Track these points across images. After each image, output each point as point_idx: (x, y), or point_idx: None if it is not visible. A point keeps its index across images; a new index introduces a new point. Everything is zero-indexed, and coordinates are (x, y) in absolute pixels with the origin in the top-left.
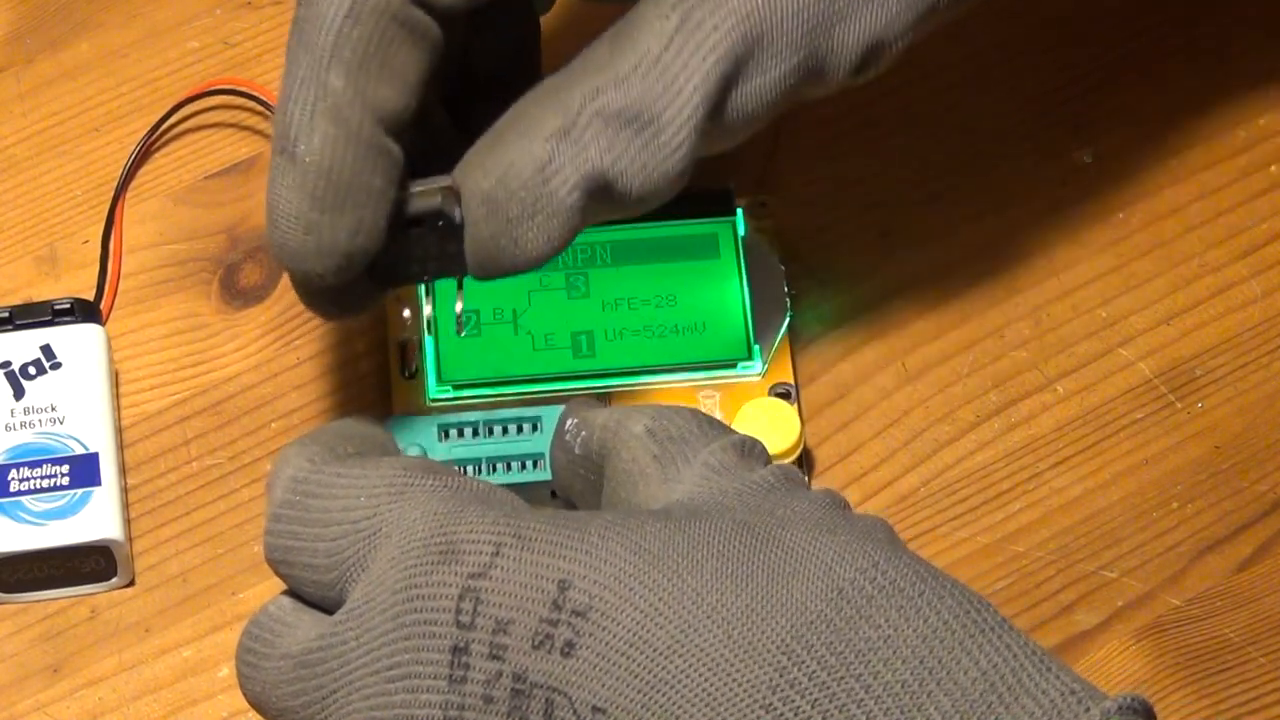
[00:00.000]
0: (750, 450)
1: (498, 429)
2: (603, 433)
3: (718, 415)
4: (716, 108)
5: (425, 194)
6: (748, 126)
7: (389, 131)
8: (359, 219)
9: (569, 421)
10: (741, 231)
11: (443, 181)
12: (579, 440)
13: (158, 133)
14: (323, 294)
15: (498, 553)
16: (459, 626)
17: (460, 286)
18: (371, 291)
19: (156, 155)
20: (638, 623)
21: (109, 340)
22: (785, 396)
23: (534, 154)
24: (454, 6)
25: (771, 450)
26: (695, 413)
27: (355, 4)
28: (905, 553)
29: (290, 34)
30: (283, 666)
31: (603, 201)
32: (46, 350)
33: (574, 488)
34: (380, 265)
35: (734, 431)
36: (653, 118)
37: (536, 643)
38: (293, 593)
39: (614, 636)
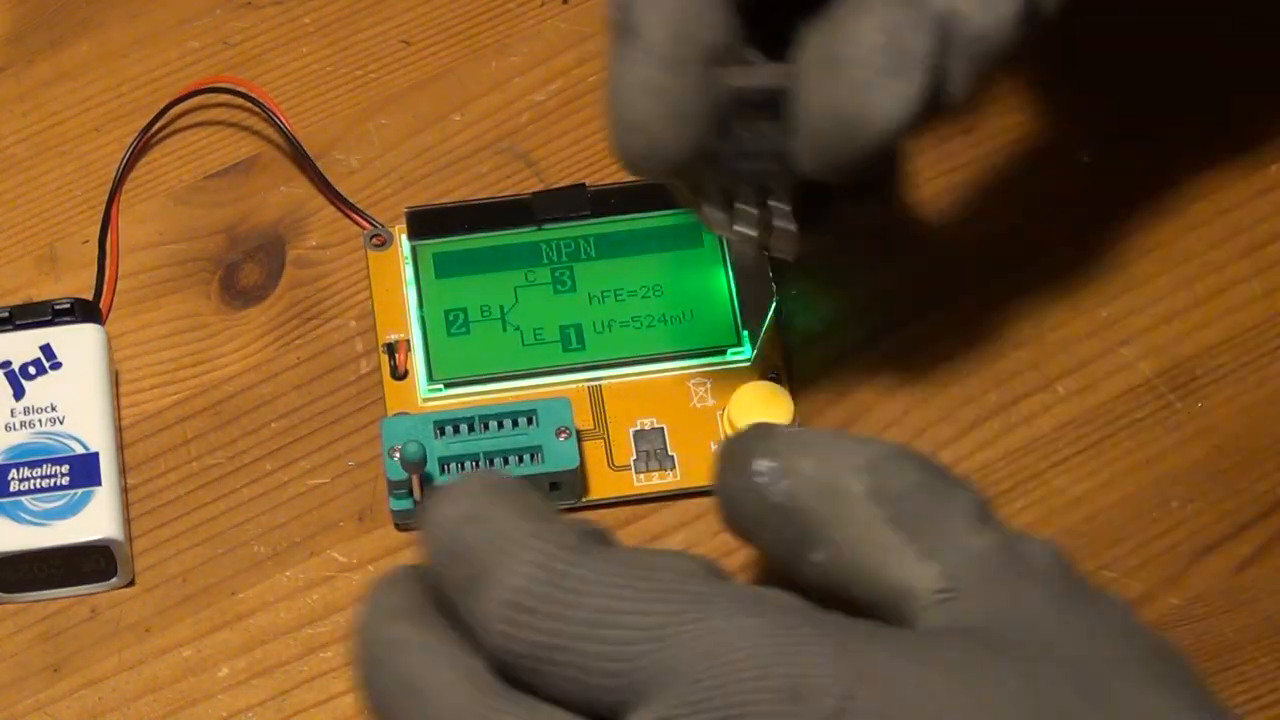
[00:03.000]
0: (993, 513)
1: (493, 424)
2: (814, 491)
3: (710, 403)
4: None
5: (769, 72)
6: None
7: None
8: (704, 78)
9: (763, 464)
10: None
11: (781, 66)
12: (779, 488)
13: (151, 132)
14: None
15: (847, 697)
16: None
17: (797, 202)
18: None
19: (157, 155)
20: None
21: (109, 340)
22: (776, 380)
23: (878, 12)
24: None
25: None
26: (912, 456)
27: None
28: (1210, 709)
29: None
30: None
31: (950, 54)
32: (46, 350)
33: (759, 536)
34: (715, 160)
35: (960, 482)
36: None
37: None
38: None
39: None
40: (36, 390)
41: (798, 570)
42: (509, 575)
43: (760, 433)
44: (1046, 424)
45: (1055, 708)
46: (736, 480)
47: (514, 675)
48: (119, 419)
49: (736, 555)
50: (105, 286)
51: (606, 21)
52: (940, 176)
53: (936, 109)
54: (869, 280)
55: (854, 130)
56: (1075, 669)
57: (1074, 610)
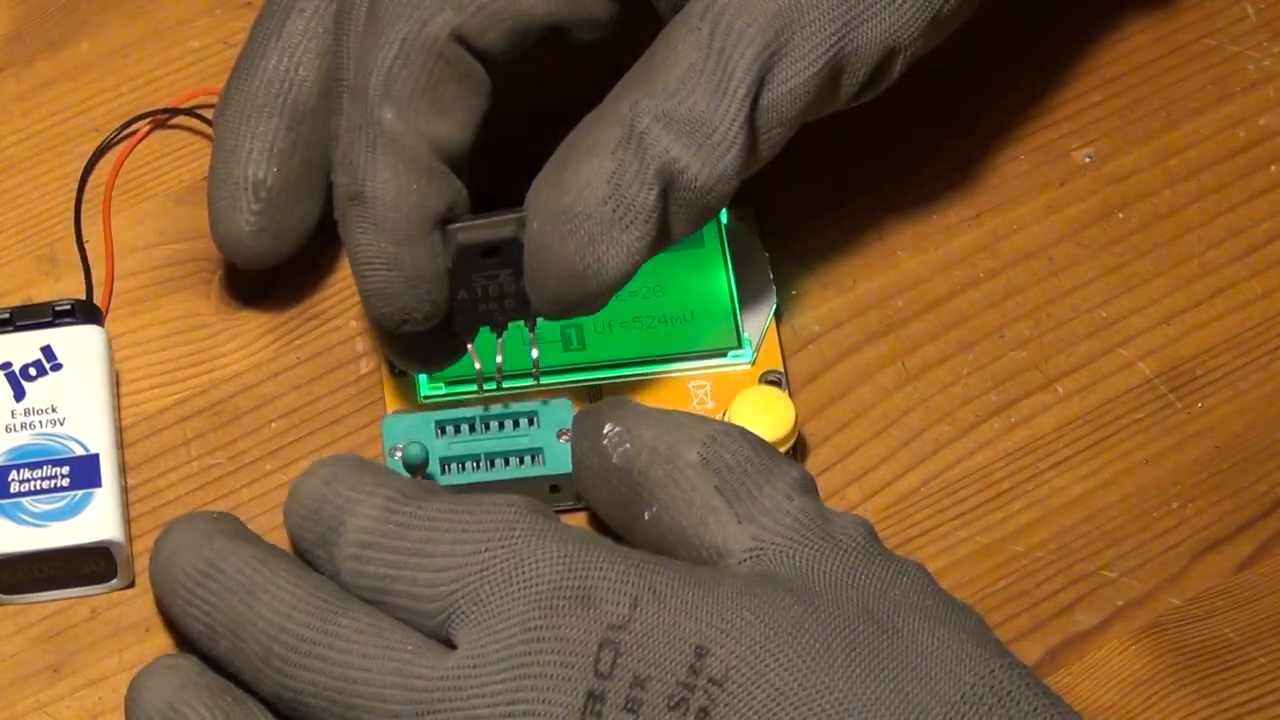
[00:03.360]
0: (814, 489)
1: (494, 424)
2: (652, 456)
3: (709, 405)
4: (757, 107)
5: (497, 223)
6: (783, 130)
7: (447, 163)
8: (434, 243)
9: (610, 428)
10: (724, 220)
11: (511, 212)
12: (619, 451)
13: (145, 134)
14: (414, 347)
15: (636, 605)
16: (597, 675)
17: (532, 330)
18: (456, 347)
19: (157, 155)
20: (772, 699)
21: (110, 341)
22: (775, 384)
23: (603, 166)
24: (493, 47)
25: (768, 437)
26: (745, 434)
27: (403, 46)
28: (1008, 655)
29: (336, 99)
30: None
31: (671, 202)
32: (47, 351)
33: (599, 493)
34: (456, 309)
35: (786, 460)
36: (705, 119)
37: (673, 703)
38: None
39: (748, 709)
40: (37, 391)
41: (629, 530)
42: (356, 518)
43: (613, 403)
44: (1046, 424)
45: (839, 628)
46: (585, 441)
47: None
48: (119, 420)
49: None
50: (103, 287)
51: (335, 189)
52: (940, 176)
53: (661, 246)
54: (869, 280)
55: (584, 282)
56: (861, 607)
57: (869, 570)
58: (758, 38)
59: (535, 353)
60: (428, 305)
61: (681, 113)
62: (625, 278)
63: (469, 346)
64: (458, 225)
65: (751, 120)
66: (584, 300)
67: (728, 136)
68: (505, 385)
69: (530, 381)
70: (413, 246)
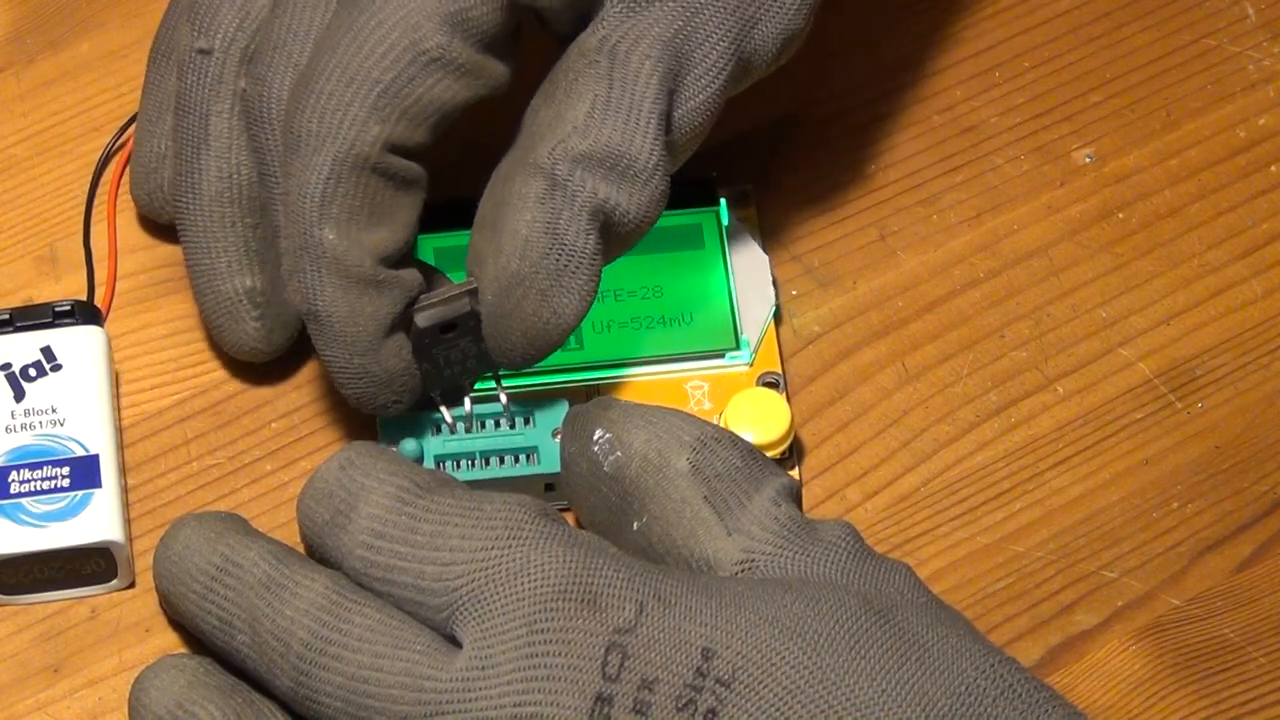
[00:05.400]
0: (799, 497)
1: (490, 424)
2: (643, 465)
3: (707, 406)
4: (670, 127)
5: (449, 300)
6: (699, 136)
7: (393, 265)
8: (399, 345)
9: (600, 434)
10: (725, 221)
11: (461, 286)
12: (610, 459)
13: (127, 139)
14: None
15: (642, 610)
16: (604, 677)
17: (499, 383)
18: (430, 402)
19: None
20: (779, 697)
21: (109, 342)
22: (773, 386)
23: (538, 220)
24: (424, 143)
25: (764, 439)
26: (735, 440)
27: (334, 166)
28: (1004, 652)
29: (275, 215)
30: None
31: (608, 238)
32: (47, 352)
33: (588, 500)
34: (426, 377)
35: (774, 466)
36: (624, 151)
37: (680, 705)
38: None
39: (755, 708)
40: (37, 392)
41: (618, 537)
42: (369, 505)
43: (602, 404)
44: (1046, 424)
45: (842, 622)
46: (574, 446)
47: None
48: (119, 421)
49: None
50: (105, 287)
51: (300, 312)
52: (940, 176)
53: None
54: (869, 280)
55: (547, 334)
56: (862, 599)
57: (861, 570)
58: (659, 66)
59: (504, 398)
60: (406, 395)
61: (599, 151)
62: (583, 315)
63: (441, 409)
64: (414, 312)
65: (667, 139)
66: (549, 349)
67: (649, 165)
68: (504, 385)
69: (524, 381)
70: (375, 354)
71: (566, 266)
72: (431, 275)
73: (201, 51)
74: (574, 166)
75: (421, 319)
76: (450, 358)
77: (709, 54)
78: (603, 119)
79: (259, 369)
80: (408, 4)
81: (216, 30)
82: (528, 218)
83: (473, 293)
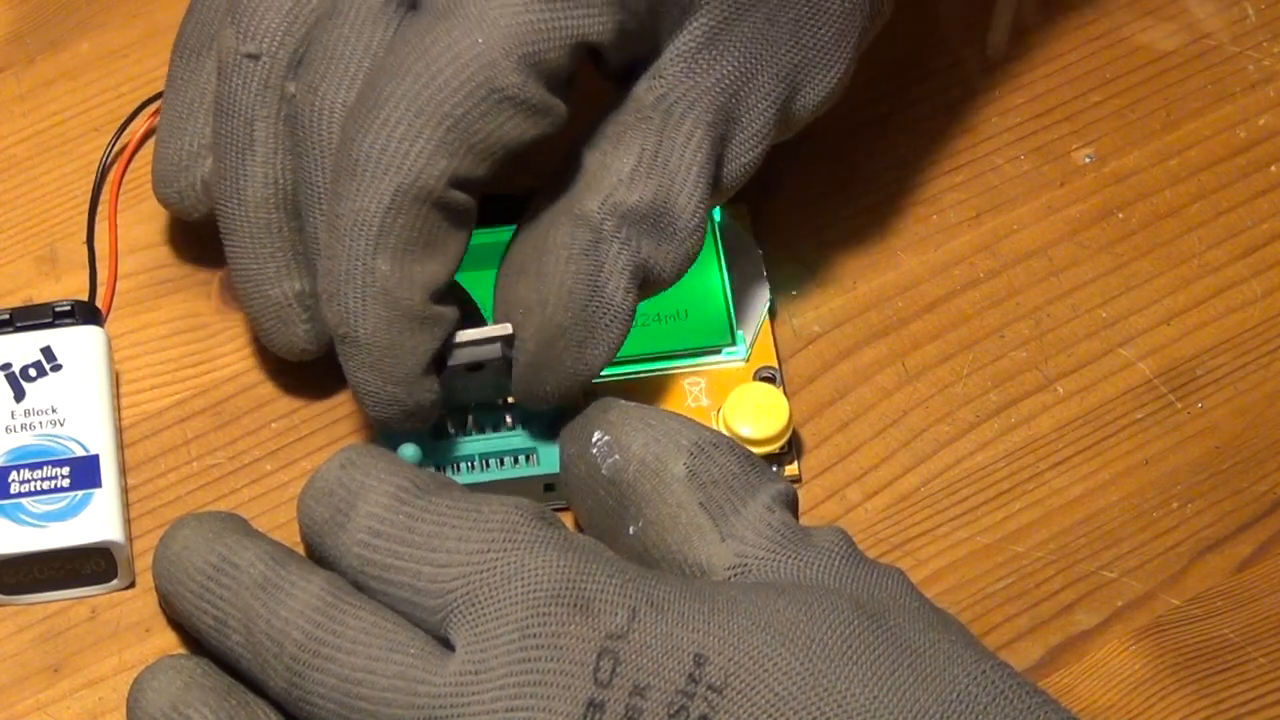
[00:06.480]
0: (795, 504)
1: (489, 426)
2: (640, 469)
3: (704, 402)
4: (715, 181)
5: (483, 343)
6: (738, 188)
7: (438, 300)
8: (433, 381)
9: (599, 437)
10: (718, 217)
11: (496, 330)
12: (608, 462)
13: (121, 138)
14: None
15: (634, 616)
16: (596, 683)
17: (509, 415)
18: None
19: None
20: (771, 703)
21: (109, 342)
22: (770, 380)
23: (582, 272)
24: (485, 177)
25: (762, 434)
26: (732, 446)
27: (396, 196)
28: (996, 658)
29: (320, 229)
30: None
31: (643, 291)
32: (47, 352)
33: (586, 502)
34: (450, 411)
35: (771, 472)
36: (668, 208)
37: (672, 711)
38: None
39: (748, 715)
40: (37, 392)
41: (615, 540)
42: (368, 504)
43: (602, 405)
44: (1046, 424)
45: (834, 626)
46: (574, 448)
47: None
48: (119, 420)
49: None
50: (105, 287)
51: (323, 317)
52: (940, 176)
53: None
54: (869, 280)
55: (575, 383)
56: (854, 603)
57: (854, 574)
58: (711, 131)
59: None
60: (427, 424)
61: (644, 207)
62: (603, 369)
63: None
64: (447, 350)
65: (711, 194)
66: (572, 398)
67: (691, 223)
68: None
69: None
70: (410, 387)
71: (603, 320)
72: (461, 296)
73: (250, 56)
74: (621, 222)
75: (454, 359)
76: (467, 386)
77: (757, 119)
78: (648, 173)
79: (259, 369)
80: (484, 40)
81: (264, 34)
82: (573, 269)
83: (508, 339)
